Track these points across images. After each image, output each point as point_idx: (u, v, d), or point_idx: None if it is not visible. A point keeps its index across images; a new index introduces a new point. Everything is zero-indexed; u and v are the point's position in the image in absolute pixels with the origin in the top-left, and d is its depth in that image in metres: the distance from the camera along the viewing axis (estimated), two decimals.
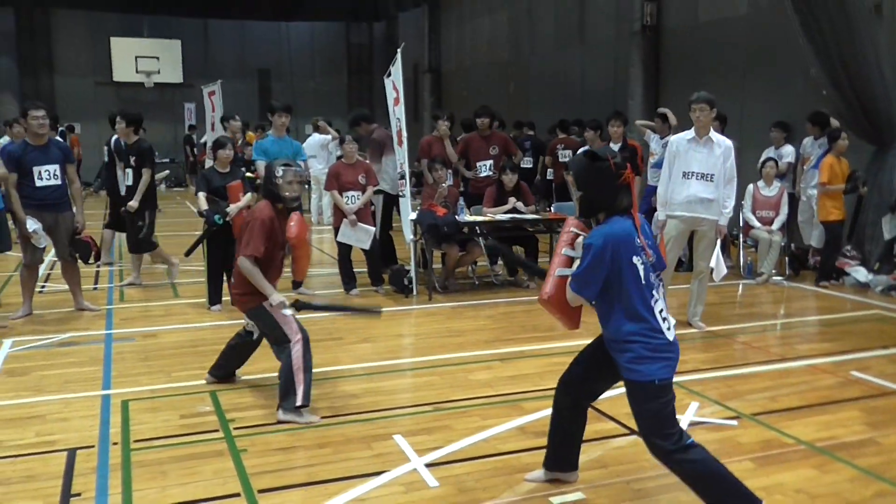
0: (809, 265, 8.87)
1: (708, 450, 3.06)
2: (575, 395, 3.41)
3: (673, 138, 6.56)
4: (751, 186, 8.66)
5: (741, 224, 8.85)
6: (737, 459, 3.79)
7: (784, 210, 8.48)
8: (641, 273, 2.96)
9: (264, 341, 4.67)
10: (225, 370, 4.97)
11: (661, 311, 3.01)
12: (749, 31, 10.78)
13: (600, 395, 3.48)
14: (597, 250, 2.94)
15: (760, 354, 5.72)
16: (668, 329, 3.01)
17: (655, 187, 9.59)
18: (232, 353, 4.91)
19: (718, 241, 6.28)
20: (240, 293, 4.57)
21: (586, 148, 3.14)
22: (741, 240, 8.90)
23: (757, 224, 8.47)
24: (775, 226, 8.37)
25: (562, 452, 3.49)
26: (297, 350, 4.37)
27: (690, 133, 6.31)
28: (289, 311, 4.45)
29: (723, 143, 6.24)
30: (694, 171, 6.21)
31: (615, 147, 8.34)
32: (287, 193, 4.52)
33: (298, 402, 4.26)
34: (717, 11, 11.37)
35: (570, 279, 3.06)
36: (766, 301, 7.64)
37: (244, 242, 4.45)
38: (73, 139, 19.11)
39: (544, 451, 3.54)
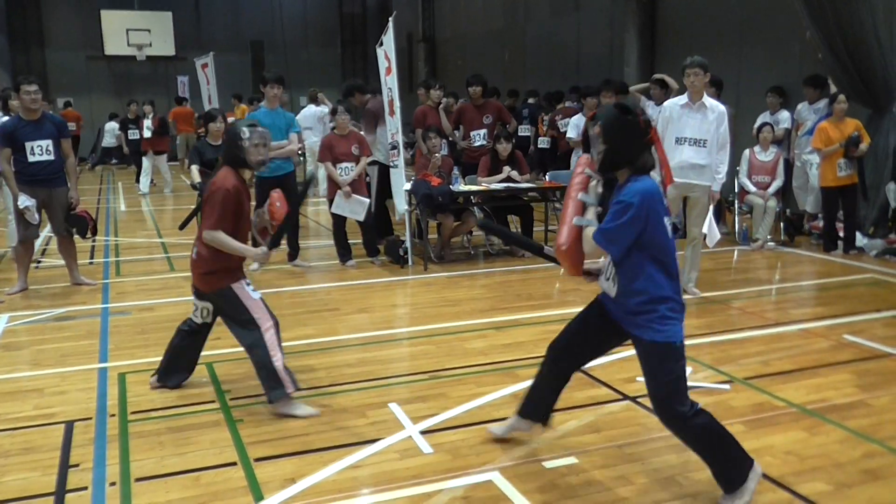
0: (805, 230, 8.89)
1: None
2: (561, 358, 3.39)
3: (666, 103, 6.52)
4: (747, 151, 8.64)
5: (736, 189, 8.85)
6: (728, 422, 3.78)
7: (780, 176, 8.47)
8: (669, 228, 2.91)
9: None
10: (176, 372, 4.45)
11: (675, 258, 2.98)
12: None
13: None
14: (635, 209, 2.83)
15: (754, 319, 5.76)
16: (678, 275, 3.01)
17: None
18: (182, 350, 4.42)
19: (711, 207, 6.27)
20: (205, 271, 4.11)
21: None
22: (736, 205, 8.90)
23: (753, 189, 8.47)
24: (770, 191, 8.37)
25: (533, 404, 3.53)
26: (269, 337, 4.00)
27: (684, 98, 6.27)
28: (262, 252, 4.13)
29: (716, 108, 6.18)
30: (687, 137, 6.17)
31: None
32: (254, 157, 4.09)
33: (290, 390, 4.00)
34: None
35: (595, 231, 2.95)
36: (760, 266, 7.66)
37: (207, 214, 4.04)
38: (66, 113, 19.06)
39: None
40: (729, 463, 3.02)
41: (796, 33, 9.30)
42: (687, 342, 5.00)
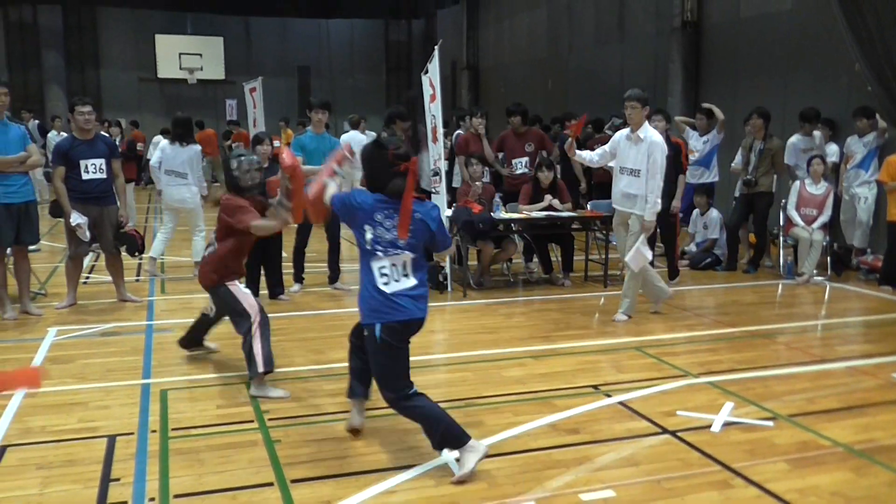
0: (852, 265, 8.69)
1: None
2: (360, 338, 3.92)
3: (616, 136, 6.77)
4: (797, 183, 8.51)
5: (782, 222, 8.71)
6: (771, 460, 3.75)
7: (828, 210, 8.28)
8: (368, 238, 3.55)
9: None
10: (189, 341, 5.45)
11: (381, 267, 3.57)
12: (792, 27, 10.58)
13: None
14: (346, 196, 3.67)
15: (799, 355, 5.64)
16: (386, 284, 3.57)
17: (694, 185, 9.48)
18: (195, 328, 5.39)
19: (642, 236, 6.37)
20: (209, 270, 4.83)
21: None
22: (781, 238, 8.75)
23: (800, 222, 8.31)
24: (816, 225, 8.20)
25: (362, 381, 4.13)
26: (256, 327, 4.65)
27: (627, 130, 6.56)
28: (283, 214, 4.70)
29: (649, 138, 6.36)
30: (626, 168, 6.48)
31: None
32: (244, 183, 4.75)
33: (261, 369, 4.58)
34: (760, 7, 11.17)
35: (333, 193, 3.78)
36: (806, 301, 7.51)
37: (240, 217, 4.66)
38: (134, 134, 19.76)
39: (569, 448, 3.64)
40: (445, 431, 3.56)
41: (844, 64, 9.18)
42: (729, 376, 5.02)
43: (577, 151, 6.86)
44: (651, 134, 6.40)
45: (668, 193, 8.08)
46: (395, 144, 3.66)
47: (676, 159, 8.09)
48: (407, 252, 3.57)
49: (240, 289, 4.81)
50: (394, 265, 3.57)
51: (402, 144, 3.74)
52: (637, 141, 6.40)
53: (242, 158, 4.79)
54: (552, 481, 3.53)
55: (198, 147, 8.48)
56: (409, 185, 3.48)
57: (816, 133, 8.83)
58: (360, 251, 3.62)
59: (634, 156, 6.42)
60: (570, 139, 6.86)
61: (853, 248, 8.79)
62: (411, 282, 3.61)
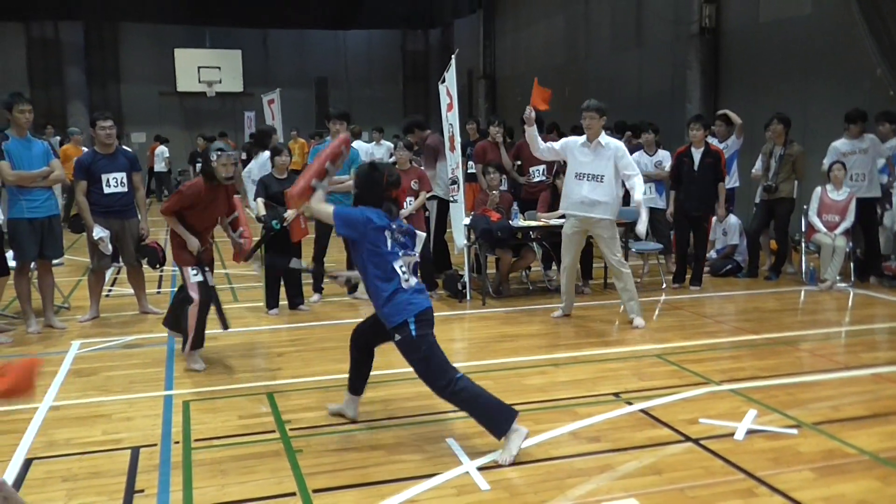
0: (878, 272, 8.56)
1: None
2: (363, 342, 4.39)
3: (570, 140, 6.80)
4: (818, 189, 8.41)
5: (803, 228, 8.62)
6: (796, 469, 3.71)
7: (850, 216, 8.19)
8: (390, 243, 3.93)
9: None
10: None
11: (400, 266, 3.94)
12: (811, 32, 10.50)
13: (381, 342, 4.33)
14: (361, 214, 3.95)
15: (823, 362, 5.57)
16: (407, 280, 3.94)
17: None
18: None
19: (644, 210, 6.39)
20: (172, 247, 5.50)
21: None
22: (803, 244, 8.66)
23: (822, 228, 8.22)
24: (839, 231, 8.11)
25: (357, 382, 4.41)
26: (192, 310, 5.33)
27: (583, 138, 6.62)
28: (195, 243, 5.41)
29: (611, 145, 6.50)
30: (585, 174, 6.52)
31: (697, 152, 8.23)
32: (222, 174, 5.30)
33: (185, 350, 5.42)
34: (779, 12, 11.10)
35: (335, 208, 4.02)
36: (829, 308, 7.42)
37: (169, 201, 5.41)
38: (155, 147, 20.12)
39: (590, 456, 3.65)
40: (490, 414, 3.88)
41: (866, 69, 9.09)
42: (752, 384, 4.98)
43: (535, 129, 6.70)
44: (611, 141, 6.55)
45: (706, 201, 8.11)
46: (389, 170, 4.09)
47: (716, 167, 8.09)
48: (414, 254, 4.08)
49: (191, 276, 5.39)
50: (407, 264, 4.00)
51: (394, 170, 4.16)
52: (597, 147, 6.48)
53: (223, 153, 5.29)
54: (574, 490, 3.52)
55: (265, 155, 8.57)
56: (401, 207, 4.03)
57: (868, 136, 8.47)
58: (378, 259, 3.91)
59: (593, 162, 6.48)
60: (529, 108, 6.74)
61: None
62: (415, 279, 4.03)
